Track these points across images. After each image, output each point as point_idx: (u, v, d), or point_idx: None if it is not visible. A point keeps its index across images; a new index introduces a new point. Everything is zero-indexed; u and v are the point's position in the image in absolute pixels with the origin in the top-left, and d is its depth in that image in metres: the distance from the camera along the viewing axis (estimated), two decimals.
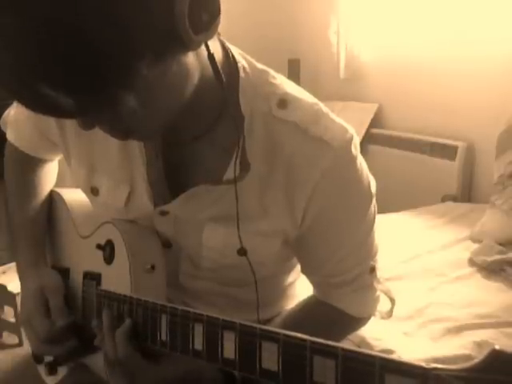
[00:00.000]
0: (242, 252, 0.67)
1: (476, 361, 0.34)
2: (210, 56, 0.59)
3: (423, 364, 0.36)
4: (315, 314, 0.77)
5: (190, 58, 0.55)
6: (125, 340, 0.63)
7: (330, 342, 0.42)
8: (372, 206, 0.69)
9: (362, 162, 0.67)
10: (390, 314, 1.35)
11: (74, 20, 0.43)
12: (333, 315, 0.76)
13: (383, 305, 1.26)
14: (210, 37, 0.53)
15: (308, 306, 0.79)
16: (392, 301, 1.37)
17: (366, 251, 0.72)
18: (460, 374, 0.34)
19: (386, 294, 1.36)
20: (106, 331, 0.65)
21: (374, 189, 0.69)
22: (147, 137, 0.63)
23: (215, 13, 0.51)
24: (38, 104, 0.49)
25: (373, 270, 0.74)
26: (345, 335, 0.82)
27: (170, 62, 0.51)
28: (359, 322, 0.80)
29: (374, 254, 0.73)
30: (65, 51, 0.44)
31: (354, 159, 0.65)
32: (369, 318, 0.81)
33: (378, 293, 0.77)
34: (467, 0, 2.13)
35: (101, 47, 0.45)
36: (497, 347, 0.32)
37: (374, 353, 0.39)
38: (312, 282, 0.78)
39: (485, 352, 0.33)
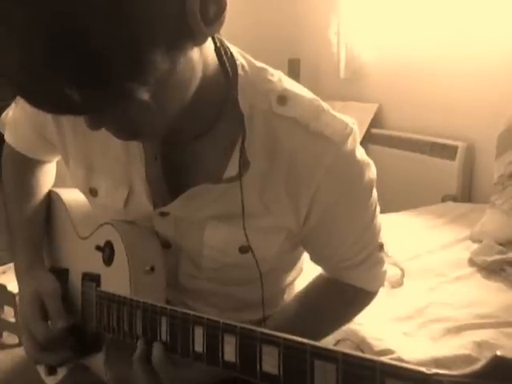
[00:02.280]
0: (244, 249, 0.67)
1: (477, 367, 0.34)
2: (217, 49, 0.59)
3: (424, 369, 0.35)
4: (326, 291, 0.79)
5: (196, 54, 0.55)
6: (163, 365, 0.60)
7: (330, 347, 0.42)
8: (374, 192, 0.70)
9: (361, 152, 0.67)
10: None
11: (86, 12, 0.42)
12: (344, 291, 0.77)
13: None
14: (217, 30, 0.52)
15: (317, 286, 0.80)
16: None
17: (372, 232, 0.74)
18: (461, 380, 0.34)
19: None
20: (137, 362, 0.62)
21: (373, 173, 0.69)
22: (153, 137, 0.63)
23: (223, 6, 0.51)
24: (47, 100, 0.48)
25: (381, 246, 0.75)
26: (355, 311, 0.83)
27: (179, 56, 0.51)
28: (371, 295, 0.81)
29: (378, 231, 0.75)
30: (76, 44, 0.43)
31: (353, 152, 0.65)
32: (376, 293, 0.82)
33: (385, 265, 0.79)
34: (467, 0, 2.13)
35: (114, 39, 0.44)
36: (499, 353, 0.32)
37: (374, 357, 0.38)
38: (322, 267, 0.79)
39: (486, 357, 0.33)
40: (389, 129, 2.57)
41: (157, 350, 0.60)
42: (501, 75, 2.00)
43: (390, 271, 0.83)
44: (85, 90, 0.46)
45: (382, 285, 0.81)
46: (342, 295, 0.78)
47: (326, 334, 0.80)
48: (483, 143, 2.13)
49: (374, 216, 0.72)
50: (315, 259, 0.78)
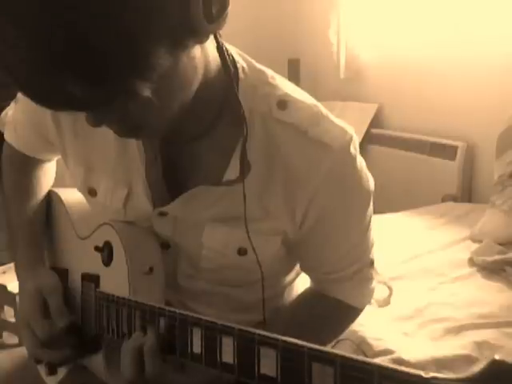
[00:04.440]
0: (243, 251, 0.67)
1: (476, 370, 0.33)
2: (219, 49, 0.59)
3: (422, 373, 0.35)
4: (313, 305, 0.78)
5: (198, 53, 0.55)
6: (153, 357, 0.58)
7: (328, 349, 0.42)
8: (371, 203, 0.70)
9: (361, 162, 0.67)
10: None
11: (88, 9, 0.42)
12: (331, 306, 0.77)
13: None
14: (220, 27, 0.53)
15: (305, 299, 0.80)
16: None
17: (365, 246, 0.73)
18: None
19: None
20: (128, 348, 0.61)
21: (372, 186, 0.69)
22: (154, 134, 0.63)
23: (226, 3, 0.51)
24: (49, 96, 0.48)
25: (372, 263, 0.75)
26: (342, 327, 0.83)
27: (181, 53, 0.51)
28: (357, 312, 0.81)
29: (371, 247, 0.74)
30: (79, 41, 0.43)
31: (353, 160, 0.65)
32: (362, 310, 0.82)
33: (374, 282, 0.79)
34: (467, 0, 2.13)
35: (116, 35, 0.44)
36: (497, 357, 0.32)
37: (372, 361, 0.38)
38: (311, 277, 0.79)
39: (485, 359, 0.33)
40: (389, 129, 2.57)
41: (150, 339, 0.59)
42: (501, 75, 2.00)
43: (378, 289, 0.83)
44: (87, 86, 0.46)
45: (369, 302, 0.81)
46: (328, 310, 0.77)
47: None
48: (483, 143, 2.13)
49: (368, 229, 0.72)
50: (306, 267, 0.78)
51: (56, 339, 0.74)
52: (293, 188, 0.64)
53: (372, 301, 0.82)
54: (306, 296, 0.80)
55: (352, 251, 0.72)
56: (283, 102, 0.64)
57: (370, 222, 0.72)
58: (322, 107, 0.66)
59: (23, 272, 0.82)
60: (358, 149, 0.66)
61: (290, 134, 0.63)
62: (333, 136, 0.64)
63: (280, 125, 0.63)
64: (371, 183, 0.69)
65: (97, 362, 0.75)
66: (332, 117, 0.66)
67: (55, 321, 0.74)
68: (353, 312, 0.80)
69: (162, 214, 0.69)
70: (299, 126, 0.63)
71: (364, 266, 0.74)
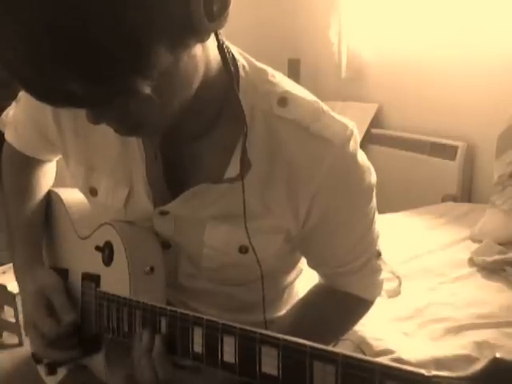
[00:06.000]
0: (244, 249, 0.67)
1: (477, 369, 0.33)
2: (220, 48, 0.59)
3: (424, 371, 0.35)
4: (323, 300, 0.78)
5: (199, 51, 0.55)
6: (164, 361, 0.59)
7: (330, 348, 0.42)
8: (373, 196, 0.70)
9: (362, 156, 0.67)
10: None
11: (89, 6, 0.43)
12: (341, 300, 0.77)
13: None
14: (221, 26, 0.53)
15: (315, 294, 0.80)
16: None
17: (371, 238, 0.74)
18: (461, 382, 0.34)
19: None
20: (142, 353, 0.60)
21: (374, 179, 0.69)
22: (154, 132, 0.63)
23: (227, 2, 0.51)
24: (50, 93, 0.48)
25: (379, 254, 0.75)
26: (353, 321, 0.83)
27: (182, 51, 0.51)
28: (368, 304, 0.81)
29: (377, 238, 0.75)
30: (80, 38, 0.43)
31: (354, 155, 0.65)
32: (373, 302, 0.82)
33: (383, 274, 0.79)
34: (467, 0, 2.13)
35: (117, 33, 0.44)
36: (498, 355, 0.32)
37: (374, 359, 0.38)
38: (319, 272, 0.79)
39: (486, 358, 0.33)
40: (389, 129, 2.57)
41: (157, 343, 0.59)
42: (501, 75, 2.00)
43: (387, 280, 0.82)
44: (87, 85, 0.46)
45: (379, 294, 0.81)
46: (339, 304, 0.77)
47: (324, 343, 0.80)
48: (483, 143, 2.13)
49: (372, 222, 0.72)
50: (313, 264, 0.78)
51: (64, 336, 0.73)
52: (295, 185, 0.65)
53: (382, 292, 0.82)
54: (315, 291, 0.80)
55: (358, 245, 0.72)
56: (284, 99, 0.64)
57: (374, 214, 0.72)
58: (322, 103, 0.66)
59: (21, 273, 0.82)
60: (358, 143, 0.66)
61: (291, 130, 0.63)
62: (333, 131, 0.64)
63: (281, 122, 0.64)
64: (373, 176, 0.69)
65: (97, 361, 0.75)
66: (332, 113, 0.66)
67: (61, 317, 0.74)
68: (363, 304, 0.80)
69: (163, 213, 0.70)
70: (300, 122, 0.63)
71: (371, 258, 0.74)
